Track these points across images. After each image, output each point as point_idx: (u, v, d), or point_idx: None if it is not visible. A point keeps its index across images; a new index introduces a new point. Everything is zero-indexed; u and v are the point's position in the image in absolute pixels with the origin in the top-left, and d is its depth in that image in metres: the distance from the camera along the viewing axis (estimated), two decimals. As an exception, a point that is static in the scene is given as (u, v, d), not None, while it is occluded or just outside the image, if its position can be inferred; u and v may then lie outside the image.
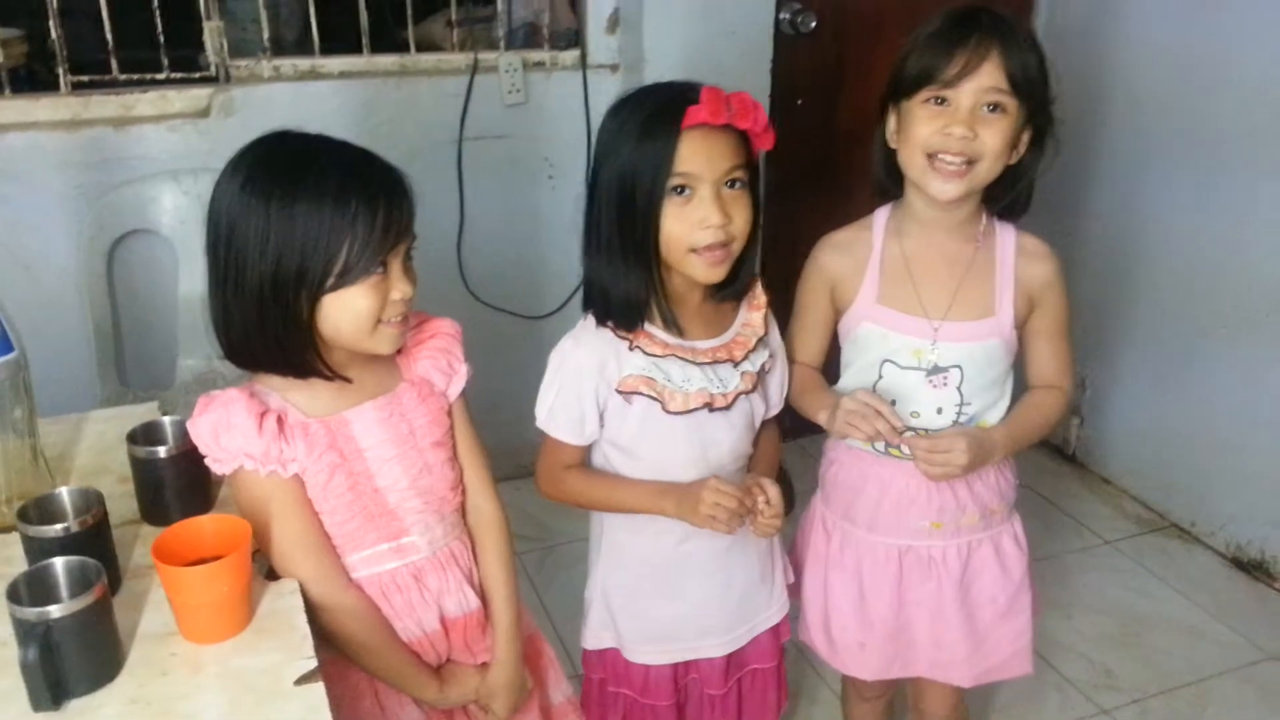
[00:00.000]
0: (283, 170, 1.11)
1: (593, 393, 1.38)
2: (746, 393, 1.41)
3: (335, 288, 1.11)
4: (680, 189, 1.29)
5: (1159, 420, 2.78)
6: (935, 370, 1.47)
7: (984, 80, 1.35)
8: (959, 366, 1.47)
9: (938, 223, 1.48)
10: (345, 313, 1.12)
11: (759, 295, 1.45)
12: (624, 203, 1.30)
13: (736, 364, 1.40)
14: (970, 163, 1.38)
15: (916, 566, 1.55)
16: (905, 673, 1.64)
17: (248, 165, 1.12)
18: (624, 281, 1.33)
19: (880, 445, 1.50)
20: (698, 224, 1.29)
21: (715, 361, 1.38)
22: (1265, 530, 2.53)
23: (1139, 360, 2.80)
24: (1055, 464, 3.06)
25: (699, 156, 1.27)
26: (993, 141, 1.37)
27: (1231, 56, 2.43)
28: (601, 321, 1.37)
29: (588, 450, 1.44)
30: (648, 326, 1.37)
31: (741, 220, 1.31)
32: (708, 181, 1.28)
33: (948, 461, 1.41)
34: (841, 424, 1.41)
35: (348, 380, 1.19)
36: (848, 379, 1.54)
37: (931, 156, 1.38)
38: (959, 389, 1.47)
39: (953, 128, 1.36)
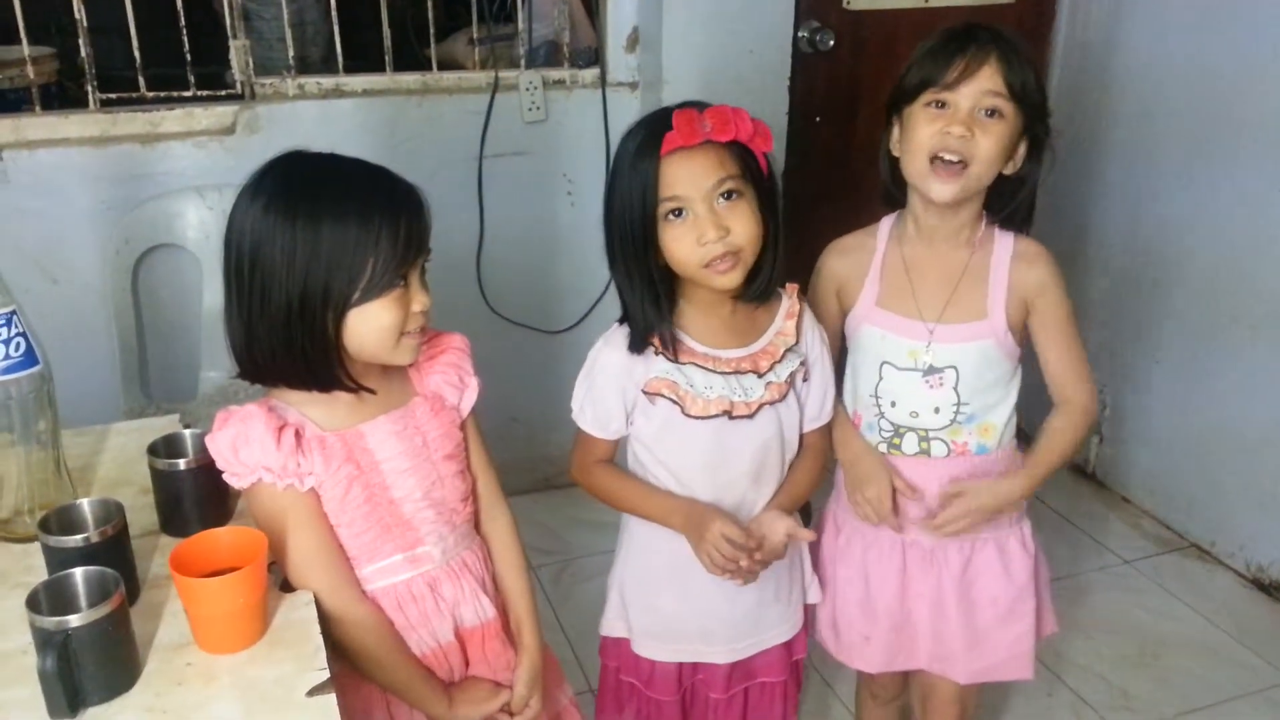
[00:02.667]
0: (304, 190, 1.13)
1: (619, 392, 1.42)
2: (773, 403, 1.42)
3: (360, 302, 1.13)
4: (675, 212, 1.32)
5: (1179, 439, 2.76)
6: (931, 371, 1.51)
7: (982, 84, 1.40)
8: (954, 367, 1.51)
9: (937, 229, 1.52)
10: (370, 326, 1.14)
11: (796, 304, 1.47)
12: (625, 231, 1.35)
13: (761, 375, 1.42)
14: (965, 164, 1.41)
15: (919, 559, 1.59)
16: (907, 664, 1.67)
17: (268, 188, 1.13)
18: (634, 304, 1.38)
19: (883, 447, 1.56)
20: (697, 241, 1.31)
21: (738, 372, 1.41)
22: (1286, 552, 2.51)
23: (1159, 379, 2.79)
24: (1074, 482, 3.04)
25: (682, 179, 1.31)
26: (987, 145, 1.41)
27: (1246, 66, 2.42)
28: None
29: (616, 445, 1.48)
30: (674, 332, 1.41)
31: (743, 228, 1.32)
32: (698, 199, 1.31)
33: (968, 527, 1.51)
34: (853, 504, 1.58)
35: (372, 391, 1.20)
36: (853, 381, 1.60)
37: (933, 160, 1.42)
38: (955, 389, 1.51)
39: (952, 127, 1.41)
